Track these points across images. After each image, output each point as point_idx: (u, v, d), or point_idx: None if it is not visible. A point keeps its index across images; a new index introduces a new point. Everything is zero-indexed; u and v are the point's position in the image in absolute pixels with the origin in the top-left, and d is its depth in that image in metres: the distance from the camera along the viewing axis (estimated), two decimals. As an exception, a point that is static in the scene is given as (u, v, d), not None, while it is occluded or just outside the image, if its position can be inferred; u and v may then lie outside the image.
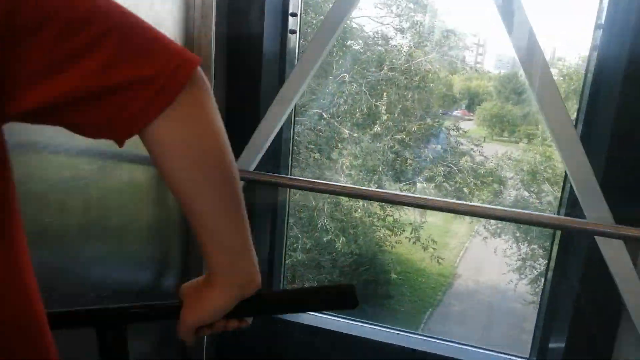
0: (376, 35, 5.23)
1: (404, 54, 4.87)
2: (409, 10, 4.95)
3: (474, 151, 5.67)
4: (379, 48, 5.17)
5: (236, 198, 0.68)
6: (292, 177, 1.90)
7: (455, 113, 9.53)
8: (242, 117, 1.91)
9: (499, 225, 7.36)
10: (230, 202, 0.67)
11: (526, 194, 7.20)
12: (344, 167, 4.37)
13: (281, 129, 1.93)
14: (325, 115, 4.63)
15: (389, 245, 5.79)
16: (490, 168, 5.46)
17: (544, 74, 1.51)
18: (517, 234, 7.11)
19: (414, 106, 4.82)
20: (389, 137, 4.42)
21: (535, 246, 7.02)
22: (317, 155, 4.61)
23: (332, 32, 1.72)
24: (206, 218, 0.66)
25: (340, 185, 1.66)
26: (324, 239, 4.62)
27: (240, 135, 1.88)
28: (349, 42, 5.32)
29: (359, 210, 4.72)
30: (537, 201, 7.22)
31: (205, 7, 1.66)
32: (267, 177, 1.75)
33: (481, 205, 1.52)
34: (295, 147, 5.09)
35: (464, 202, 1.45)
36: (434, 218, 5.95)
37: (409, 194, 1.55)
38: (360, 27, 5.30)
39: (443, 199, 1.43)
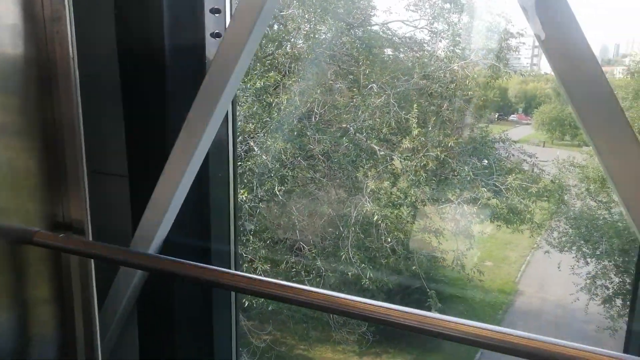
0: (409, 40, 4.47)
1: (440, 59, 4.08)
2: (444, 10, 4.14)
3: (527, 162, 4.71)
4: (416, 54, 4.41)
5: None
6: (215, 268, 1.03)
7: (512, 118, 8.65)
8: (146, 169, 1.26)
9: (562, 239, 6.49)
10: None
11: (593, 204, 6.30)
12: (369, 191, 3.63)
13: (206, 182, 1.27)
14: (351, 130, 3.93)
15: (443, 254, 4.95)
16: (546, 186, 4.49)
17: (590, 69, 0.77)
18: (584, 249, 6.30)
19: (452, 116, 4.00)
20: (421, 155, 3.64)
21: (606, 262, 6.17)
22: (340, 175, 3.91)
23: (247, 30, 1.06)
24: None
25: (298, 288, 0.86)
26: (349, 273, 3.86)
27: (142, 195, 1.22)
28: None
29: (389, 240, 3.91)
30: (606, 212, 6.27)
31: (55, 5, 1.05)
32: (173, 266, 0.99)
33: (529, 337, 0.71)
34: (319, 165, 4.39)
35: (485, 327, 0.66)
36: (490, 229, 5.10)
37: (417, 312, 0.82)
38: (393, 32, 4.57)
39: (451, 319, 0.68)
